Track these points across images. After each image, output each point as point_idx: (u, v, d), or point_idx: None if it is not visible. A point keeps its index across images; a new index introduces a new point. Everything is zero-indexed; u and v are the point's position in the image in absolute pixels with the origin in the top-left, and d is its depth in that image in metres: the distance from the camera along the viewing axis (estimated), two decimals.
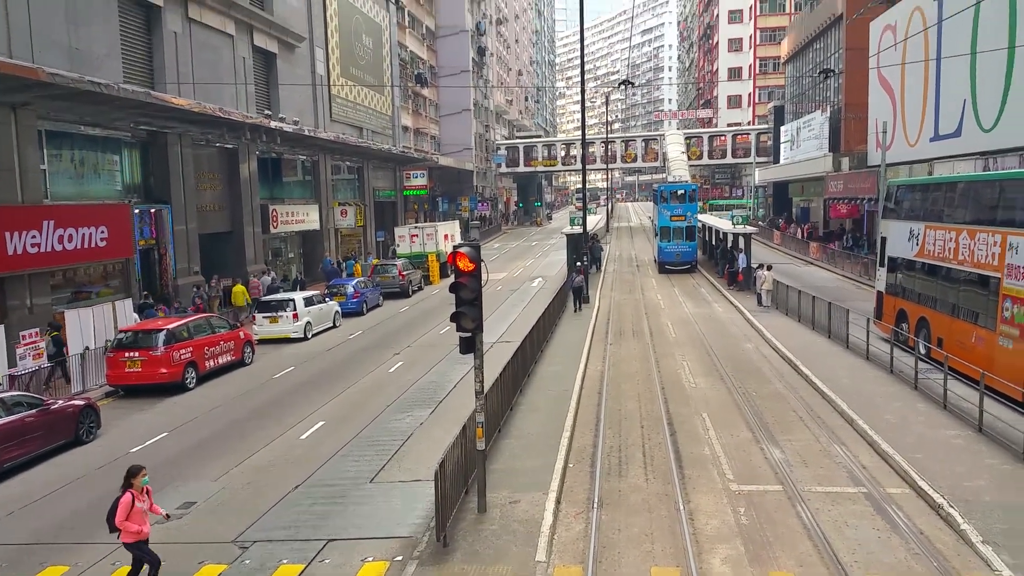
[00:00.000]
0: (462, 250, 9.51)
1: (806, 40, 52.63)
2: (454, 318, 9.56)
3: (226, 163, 29.60)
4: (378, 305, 30.78)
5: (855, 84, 42.02)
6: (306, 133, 32.98)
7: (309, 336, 24.37)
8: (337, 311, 26.96)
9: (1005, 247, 13.48)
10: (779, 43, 70.51)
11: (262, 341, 23.16)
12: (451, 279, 9.97)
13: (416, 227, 39.78)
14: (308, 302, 24.95)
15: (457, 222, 46.91)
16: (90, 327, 19.02)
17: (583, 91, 28.51)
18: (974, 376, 12.81)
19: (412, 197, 52.42)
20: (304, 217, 35.74)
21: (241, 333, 21.16)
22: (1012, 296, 13.30)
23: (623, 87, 35.36)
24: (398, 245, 39.08)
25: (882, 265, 19.90)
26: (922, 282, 17.44)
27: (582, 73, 28.79)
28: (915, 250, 17.61)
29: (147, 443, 14.32)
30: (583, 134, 30.26)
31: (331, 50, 39.55)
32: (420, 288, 35.44)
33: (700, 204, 47.30)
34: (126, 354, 17.78)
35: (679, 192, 38.78)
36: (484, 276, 9.75)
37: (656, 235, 39.97)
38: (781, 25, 75.14)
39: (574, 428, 13.62)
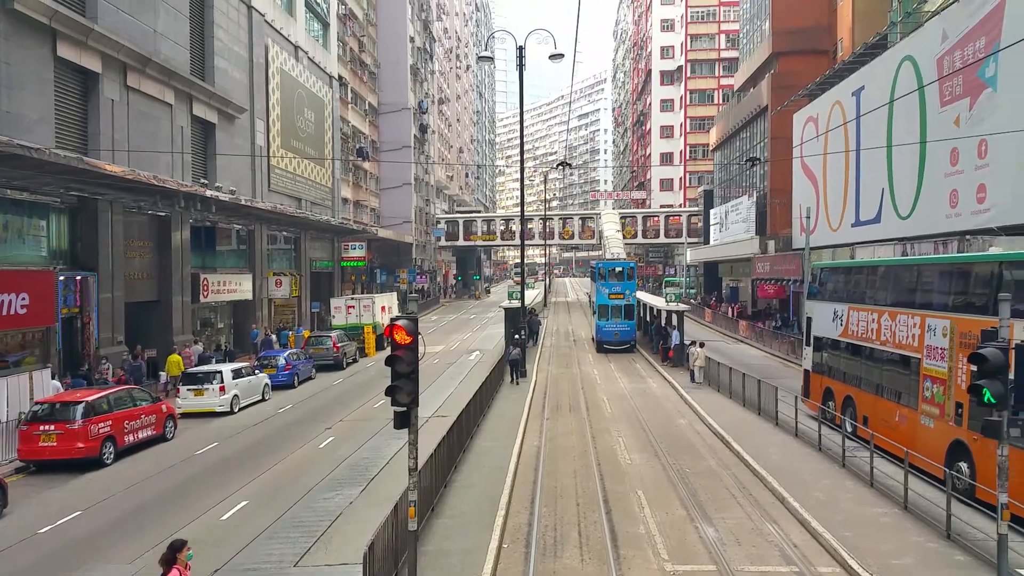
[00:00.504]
0: (399, 323, 9.45)
1: (733, 129, 55.48)
2: (389, 392, 9.42)
3: (158, 231, 28.99)
4: (310, 378, 30.11)
5: (779, 171, 44.27)
6: (242, 202, 32.67)
7: (236, 410, 23.57)
8: (267, 384, 26.23)
9: (924, 328, 14.12)
10: (708, 131, 74.11)
11: (186, 415, 22.29)
12: (387, 352, 9.86)
13: (353, 298, 39.41)
14: (236, 374, 24.23)
15: (395, 294, 46.72)
16: (3, 398, 18.00)
17: (522, 169, 29.22)
18: (899, 454, 13.19)
19: (350, 268, 52.11)
20: (236, 287, 35.05)
21: (163, 406, 20.33)
22: (932, 376, 13.86)
23: (561, 168, 35.87)
24: (334, 316, 38.57)
25: (808, 344, 20.56)
26: (847, 361, 18.05)
27: (521, 153, 29.55)
28: (839, 330, 18.29)
29: (58, 522, 13.45)
30: (522, 210, 30.80)
31: (272, 122, 39.68)
32: (355, 360, 34.89)
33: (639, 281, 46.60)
34: (41, 427, 16.83)
35: (617, 270, 37.54)
36: (421, 349, 9.67)
37: (594, 313, 38.74)
38: (709, 115, 79.11)
39: (509, 506, 13.39)
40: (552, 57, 26.49)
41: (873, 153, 30.77)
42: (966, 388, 12.27)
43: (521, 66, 26.99)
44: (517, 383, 27.02)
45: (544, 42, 28.74)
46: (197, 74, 32.31)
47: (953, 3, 24.62)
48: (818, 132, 37.18)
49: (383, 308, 39.55)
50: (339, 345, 33.08)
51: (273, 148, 39.98)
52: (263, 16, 38.30)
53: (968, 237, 21.16)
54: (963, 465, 12.63)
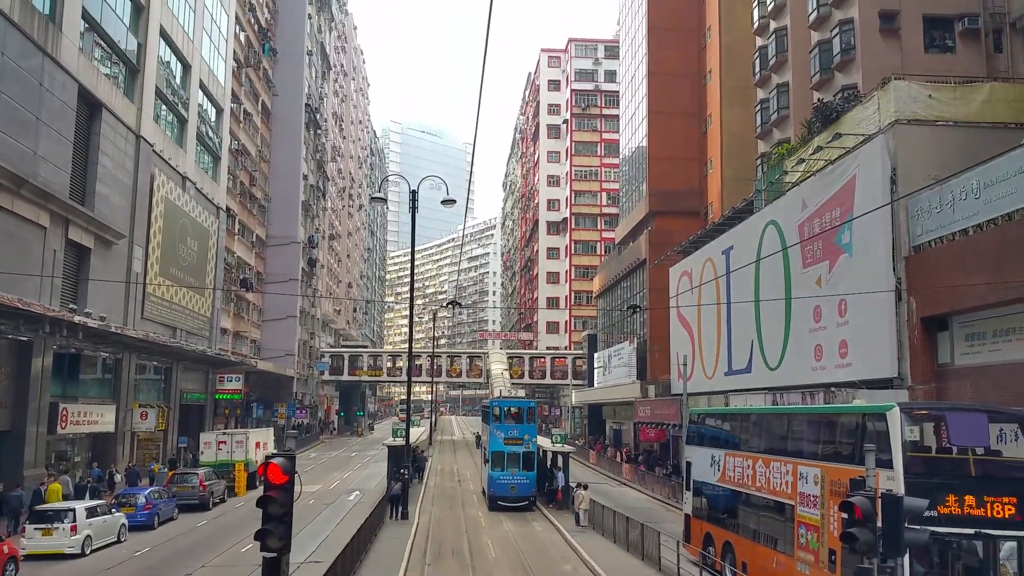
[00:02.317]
0: (275, 461, 9.11)
1: (615, 279, 58.52)
2: (259, 536, 8.89)
3: (17, 356, 26.93)
4: (172, 518, 27.77)
5: (658, 320, 46.62)
6: (112, 329, 31.10)
7: (88, 552, 21.32)
8: (124, 524, 23.98)
9: (796, 476, 14.76)
10: (591, 279, 77.70)
11: (31, 556, 19.94)
12: (259, 491, 9.41)
13: (225, 433, 37.29)
14: (91, 512, 22.10)
15: (271, 429, 44.58)
16: None
17: (411, 306, 29.43)
18: None
19: (224, 401, 49.58)
20: (98, 418, 32.55)
21: (5, 547, 18.15)
22: (806, 523, 14.32)
23: (450, 307, 34.44)
24: (203, 452, 36.20)
25: (688, 489, 20.98)
26: (725, 507, 18.46)
27: (411, 290, 29.89)
28: (717, 475, 18.84)
29: None
30: (410, 346, 30.72)
31: (152, 249, 38.52)
32: (223, 500, 32.55)
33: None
34: None
35: (514, 410, 31.73)
36: (297, 489, 9.30)
37: (486, 461, 31.65)
38: (592, 264, 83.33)
39: None
40: (444, 202, 27.53)
41: (743, 307, 33.05)
42: (838, 535, 12.80)
43: (414, 209, 27.76)
44: (399, 519, 25.97)
45: (437, 187, 29.86)
46: (77, 198, 31.36)
47: (811, 176, 27.66)
48: (692, 286, 39.76)
49: (257, 444, 37.56)
50: (206, 483, 30.88)
51: (151, 276, 38.62)
52: (152, 146, 38.04)
53: (833, 389, 22.69)
54: None
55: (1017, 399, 16.56)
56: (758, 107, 39.51)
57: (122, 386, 35.55)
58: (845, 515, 9.28)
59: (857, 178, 24.54)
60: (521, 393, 49.69)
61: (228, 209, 52.13)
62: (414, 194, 27.06)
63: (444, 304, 45.25)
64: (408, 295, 30.43)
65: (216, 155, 49.48)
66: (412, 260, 28.33)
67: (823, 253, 26.36)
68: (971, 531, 10.85)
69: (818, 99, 30.97)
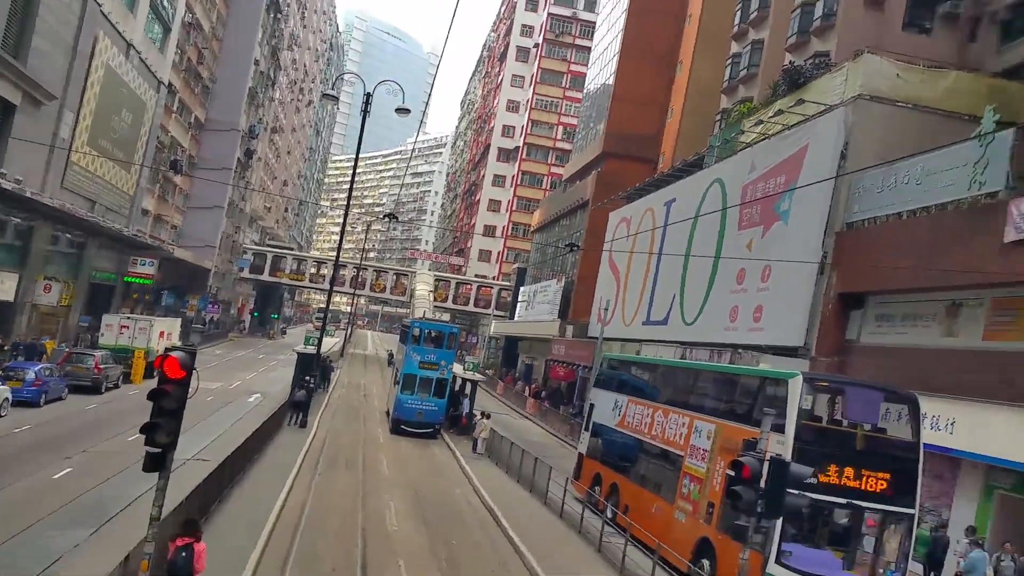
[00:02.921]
0: (174, 354, 8.56)
1: (555, 215, 58.17)
2: (146, 429, 8.38)
3: None
4: (61, 398, 26.66)
5: (589, 262, 46.66)
6: (27, 195, 29.13)
7: None
8: (7, 398, 22.85)
9: (691, 429, 15.01)
10: (532, 212, 77.20)
11: None
12: (155, 381, 8.88)
13: (129, 318, 35.86)
14: None
15: (179, 320, 43.20)
16: None
17: (347, 209, 28.45)
18: (653, 545, 13.69)
19: (135, 285, 47.68)
20: None
21: None
22: (691, 474, 14.67)
23: (387, 219, 32.00)
24: (103, 334, 34.84)
25: (587, 429, 21.26)
26: (618, 450, 18.80)
27: (349, 197, 28.87)
28: (616, 420, 19.10)
29: None
30: (338, 254, 29.90)
31: (83, 116, 35.94)
32: (116, 386, 31.42)
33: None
34: None
35: (435, 334, 30.24)
36: (193, 386, 8.79)
37: (396, 383, 30.34)
38: (536, 197, 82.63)
39: (258, 567, 12.29)
40: (399, 111, 26.27)
41: (672, 261, 33.21)
42: (720, 490, 13.04)
43: (365, 113, 26.61)
44: (299, 425, 25.67)
45: (393, 94, 28.56)
46: (10, 50, 28.81)
47: (764, 139, 27.52)
48: (628, 232, 39.76)
49: (162, 334, 36.32)
50: (102, 367, 29.73)
51: (78, 143, 36.19)
52: (99, 6, 35.09)
53: (740, 351, 23.10)
54: (706, 562, 13.32)
55: (912, 382, 17.03)
56: (730, 60, 38.76)
57: (30, 256, 33.67)
58: (732, 472, 9.36)
59: (809, 148, 24.46)
60: (445, 317, 49.21)
61: (170, 85, 49.08)
62: (368, 97, 25.78)
63: (380, 216, 43.19)
64: (345, 202, 29.30)
65: (167, 26, 46.15)
66: (355, 166, 27.32)
67: (760, 217, 26.46)
68: (844, 501, 11.17)
69: (790, 61, 30.50)
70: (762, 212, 26.33)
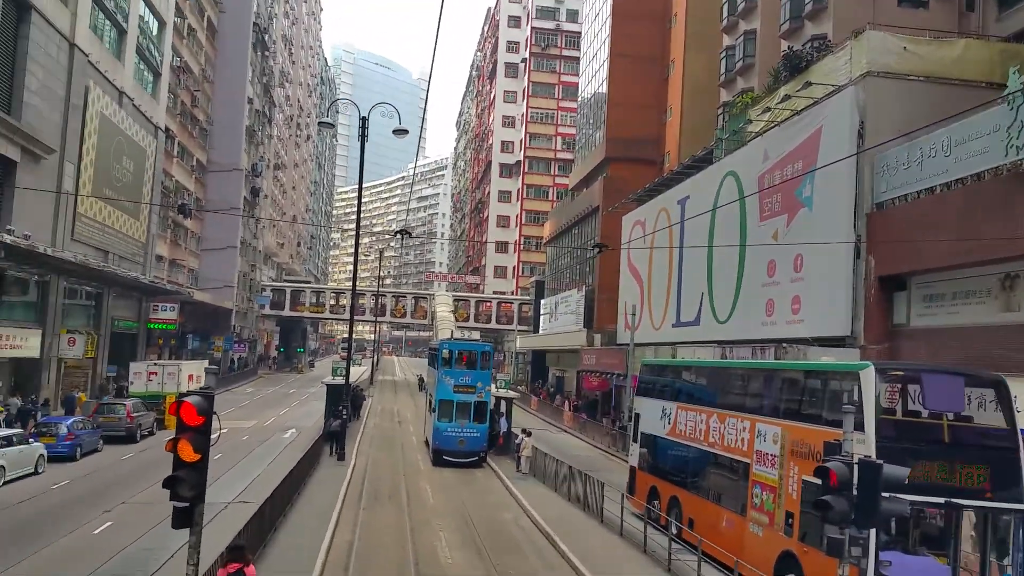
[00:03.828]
0: (189, 399, 8.01)
1: (566, 225, 57.58)
2: (168, 483, 7.83)
3: None
4: (96, 450, 26.37)
5: (607, 269, 46.00)
6: (39, 250, 28.98)
7: (0, 483, 19.94)
8: (43, 455, 22.56)
9: (754, 433, 14.12)
10: (542, 224, 76.68)
11: None
12: (201, 420, 8.34)
13: (156, 364, 35.63)
14: (6, 442, 20.67)
15: (205, 362, 42.90)
16: None
17: (357, 234, 28.07)
18: (725, 561, 12.89)
19: (158, 331, 47.54)
20: (22, 343, 30.58)
21: None
22: (762, 483, 13.67)
23: (400, 235, 29.94)
24: (132, 383, 34.61)
25: (635, 441, 20.37)
26: (674, 461, 17.90)
27: (358, 220, 28.48)
28: (667, 428, 18.24)
29: None
30: (354, 280, 29.49)
31: (84, 167, 35.91)
32: (152, 433, 31.16)
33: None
34: None
35: (468, 354, 28.16)
36: (215, 433, 8.24)
37: (432, 410, 28.09)
38: (544, 209, 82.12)
39: None
40: (396, 132, 26.04)
41: (695, 259, 32.54)
42: (798, 498, 12.24)
43: (363, 138, 26.42)
44: (338, 458, 25.31)
45: (389, 116, 28.28)
46: (2, 107, 28.78)
47: (775, 127, 26.88)
48: (644, 234, 39.08)
49: (190, 377, 35.99)
50: (134, 415, 29.43)
51: (82, 195, 36.13)
52: (87, 56, 35.13)
53: (784, 345, 22.30)
54: None
55: (971, 362, 16.28)
56: (723, 54, 38.42)
57: (49, 310, 33.51)
58: (819, 480, 8.58)
59: (823, 130, 23.84)
60: (475, 336, 47.96)
61: (167, 129, 49.16)
62: (364, 121, 25.70)
63: (394, 233, 41.80)
64: (355, 230, 28.98)
65: (156, 71, 46.33)
66: (360, 188, 26.86)
67: (781, 206, 25.78)
68: (941, 500, 10.37)
69: (788, 47, 30.00)
70: (783, 201, 25.67)
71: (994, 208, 17.80)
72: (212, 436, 8.12)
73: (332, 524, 17.11)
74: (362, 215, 30.41)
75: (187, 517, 7.91)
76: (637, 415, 20.59)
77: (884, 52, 22.86)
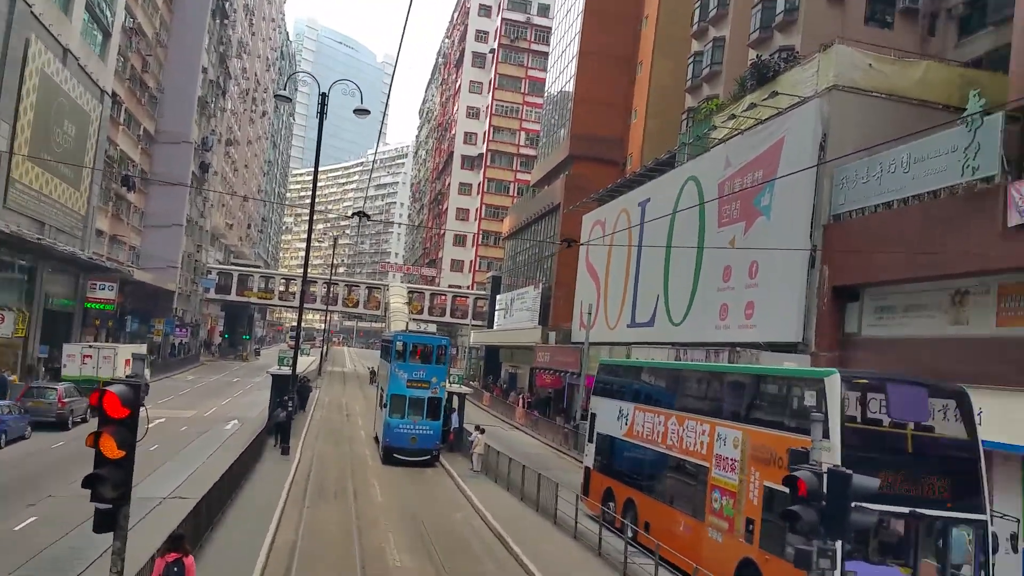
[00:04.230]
0: (113, 389, 7.30)
1: (526, 222, 57.26)
2: (89, 482, 7.13)
3: None
4: (23, 437, 24.96)
5: (565, 267, 45.84)
6: None
7: None
8: None
9: (714, 437, 13.89)
10: (501, 220, 76.20)
11: None
12: (126, 412, 7.59)
13: (91, 346, 34.09)
14: None
15: (145, 346, 41.31)
16: None
17: (311, 217, 27.19)
18: (683, 566, 12.65)
19: (95, 311, 45.57)
20: None
21: None
22: (721, 488, 13.48)
23: (358, 218, 27.52)
24: (65, 365, 33.04)
25: (590, 441, 20.03)
26: (631, 463, 17.59)
27: (312, 201, 27.58)
28: (624, 429, 17.95)
29: None
30: (306, 265, 28.46)
31: (20, 128, 33.83)
32: (85, 420, 29.68)
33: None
34: None
35: (423, 348, 26.99)
36: (143, 428, 7.54)
37: (383, 405, 27.10)
38: (504, 204, 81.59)
39: None
40: (357, 112, 25.13)
41: (652, 261, 32.49)
42: (759, 504, 12.03)
43: (322, 115, 25.43)
44: (282, 452, 24.55)
45: (351, 94, 27.39)
46: None
47: (738, 134, 26.89)
48: (604, 234, 38.95)
49: (127, 361, 34.56)
50: (66, 400, 28.01)
51: (17, 158, 34.18)
52: (29, 6, 33.07)
53: (738, 349, 22.28)
54: None
55: (920, 374, 16.40)
56: (691, 59, 38.45)
57: None
58: (783, 488, 8.34)
59: (785, 141, 23.93)
60: (431, 328, 46.99)
61: (114, 94, 46.88)
62: (323, 97, 24.74)
63: (350, 215, 39.31)
64: (308, 214, 28.01)
65: (107, 31, 43.95)
66: (316, 167, 25.97)
67: (740, 214, 25.84)
68: (906, 511, 10.29)
69: (756, 56, 30.07)
70: (742, 208, 25.74)
71: (949, 226, 18.01)
72: (139, 430, 7.41)
73: (274, 523, 16.39)
74: (317, 200, 29.46)
75: (110, 520, 7.21)
76: (593, 415, 20.28)
77: (851, 67, 23.02)
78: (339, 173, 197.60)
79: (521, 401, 43.87)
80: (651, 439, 16.52)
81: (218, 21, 66.28)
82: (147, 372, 39.44)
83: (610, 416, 18.94)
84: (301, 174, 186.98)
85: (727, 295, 25.91)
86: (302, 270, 32.31)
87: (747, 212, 25.31)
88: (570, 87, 53.69)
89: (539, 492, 19.69)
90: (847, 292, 21.45)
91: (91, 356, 32.79)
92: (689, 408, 15.45)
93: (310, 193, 28.02)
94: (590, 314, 35.76)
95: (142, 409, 7.38)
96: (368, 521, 17.85)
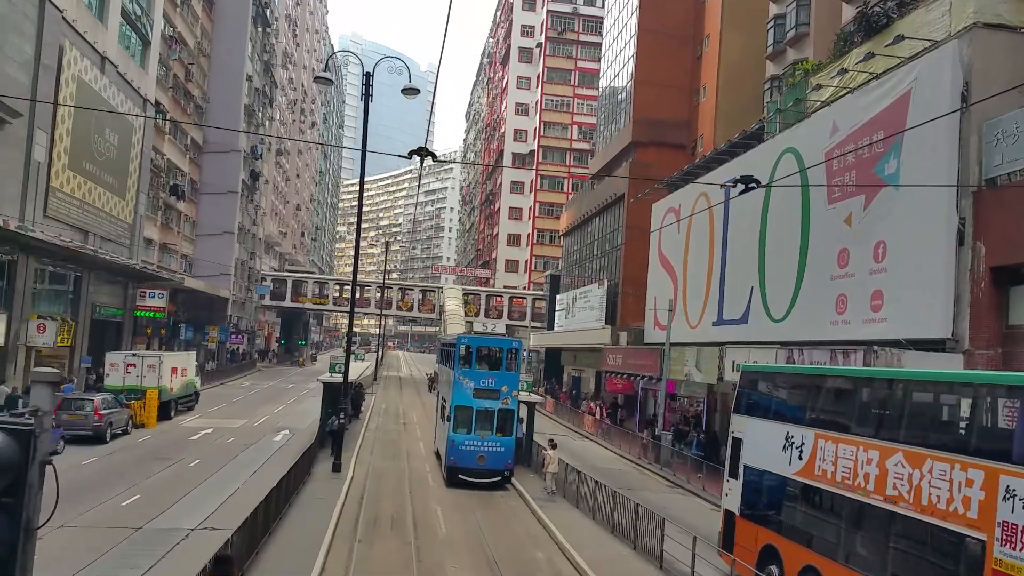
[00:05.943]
0: None
1: (586, 215, 53.69)
2: None
3: None
4: (56, 452, 22.71)
5: (633, 261, 42.28)
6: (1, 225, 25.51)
7: None
8: None
9: (995, 493, 8.85)
10: (557, 217, 72.86)
11: None
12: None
13: (134, 355, 31.98)
14: None
15: (193, 354, 39.23)
16: None
17: (360, 206, 24.41)
18: None
19: (145, 319, 43.96)
20: None
21: None
22: (1008, 572, 8.59)
23: (420, 155, 22.06)
24: (108, 375, 31.03)
25: (733, 476, 15.21)
26: (810, 515, 12.63)
27: (360, 189, 24.82)
28: (798, 466, 12.88)
29: None
30: (355, 265, 25.87)
31: (59, 136, 32.25)
32: (126, 432, 27.61)
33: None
34: None
35: (491, 352, 23.50)
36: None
37: (446, 419, 23.11)
38: (559, 201, 78.16)
39: None
40: (406, 91, 22.65)
41: (742, 249, 28.81)
42: None
43: (366, 96, 23.39)
44: (333, 469, 22.09)
45: (398, 72, 25.58)
46: None
47: (846, 93, 23.10)
48: (680, 223, 35.29)
49: (174, 370, 32.49)
50: (103, 412, 25.82)
51: (57, 167, 32.48)
52: (61, 12, 31.44)
53: (875, 349, 18.29)
54: None
55: None
56: (771, 23, 34.74)
57: (15, 294, 29.97)
58: None
59: (912, 94, 20.05)
60: (499, 330, 42.91)
61: (158, 103, 45.50)
62: (368, 76, 22.76)
63: (413, 152, 30.25)
64: (361, 225, 25.35)
65: (146, 39, 42.64)
66: (363, 157, 23.28)
67: (857, 186, 21.97)
68: None
69: (864, 1, 26.11)
70: (859, 178, 21.89)
71: None
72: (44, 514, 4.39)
73: (319, 564, 13.42)
74: (368, 209, 26.73)
75: None
76: (739, 440, 15.19)
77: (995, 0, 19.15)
78: (388, 182, 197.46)
79: (600, 410, 39.90)
80: (851, 484, 11.38)
81: (260, 29, 64.82)
82: (197, 381, 37.54)
83: (766, 443, 14.02)
84: (351, 184, 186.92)
85: (845, 283, 22.07)
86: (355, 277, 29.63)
87: (867, 182, 21.45)
88: (629, 69, 50.15)
89: (636, 527, 16.14)
90: (1010, 273, 17.49)
91: (135, 365, 30.71)
92: (933, 443, 10.24)
93: (362, 203, 25.54)
94: (670, 312, 32.14)
95: (48, 468, 4.35)
96: (432, 563, 14.65)
